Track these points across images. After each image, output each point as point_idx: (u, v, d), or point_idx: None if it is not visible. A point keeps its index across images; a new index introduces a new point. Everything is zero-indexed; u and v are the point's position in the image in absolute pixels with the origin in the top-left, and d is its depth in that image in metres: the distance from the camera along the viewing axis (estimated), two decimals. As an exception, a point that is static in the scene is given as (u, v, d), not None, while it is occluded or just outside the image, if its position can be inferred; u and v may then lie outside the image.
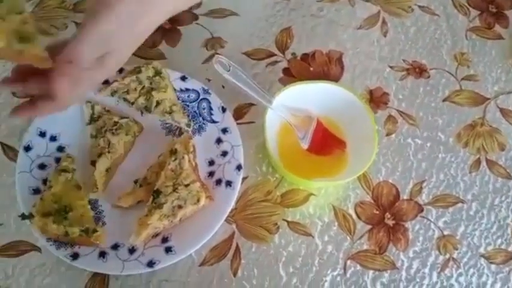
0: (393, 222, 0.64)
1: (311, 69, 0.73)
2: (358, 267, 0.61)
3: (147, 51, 0.73)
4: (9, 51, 0.46)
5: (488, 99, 0.73)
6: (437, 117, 0.71)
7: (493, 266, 0.62)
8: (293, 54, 0.74)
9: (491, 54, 0.77)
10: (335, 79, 0.73)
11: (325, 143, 0.65)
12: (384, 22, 0.78)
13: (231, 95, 0.70)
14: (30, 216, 0.57)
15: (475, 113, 0.72)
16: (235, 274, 0.60)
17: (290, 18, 0.77)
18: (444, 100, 0.72)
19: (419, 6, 0.80)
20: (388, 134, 0.69)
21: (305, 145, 0.64)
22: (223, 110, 0.66)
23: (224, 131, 0.65)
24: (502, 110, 0.73)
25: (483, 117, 0.72)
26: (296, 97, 0.65)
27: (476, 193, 0.66)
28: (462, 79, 0.74)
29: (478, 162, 0.68)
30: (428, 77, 0.74)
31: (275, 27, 0.76)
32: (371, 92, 0.72)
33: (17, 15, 0.47)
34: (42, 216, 0.56)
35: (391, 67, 0.74)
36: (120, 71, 0.67)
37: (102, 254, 0.57)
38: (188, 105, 0.67)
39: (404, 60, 0.75)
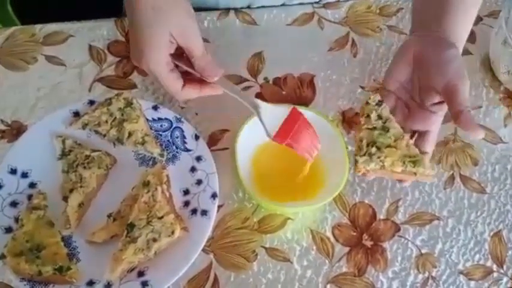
0: (371, 243, 0.64)
1: (283, 92, 0.74)
2: (338, 290, 0.61)
3: (119, 81, 0.72)
4: (406, 173, 0.56)
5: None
6: (410, 136, 0.72)
7: (472, 283, 0.63)
8: (265, 78, 0.75)
9: (460, 70, 0.79)
10: (307, 102, 0.73)
11: (299, 133, 0.59)
12: (353, 43, 0.79)
13: (204, 122, 0.70)
14: (2, 257, 0.56)
15: (447, 130, 0.73)
16: (214, 305, 0.59)
17: (261, 43, 0.78)
18: (416, 118, 0.73)
19: (388, 26, 0.82)
20: (362, 154, 0.70)
21: (270, 135, 0.58)
22: (197, 137, 0.66)
23: (198, 159, 0.65)
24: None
25: (455, 133, 0.73)
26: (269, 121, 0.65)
27: (452, 209, 0.67)
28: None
29: (452, 178, 0.69)
30: (400, 95, 0.75)
31: (246, 52, 0.77)
32: (343, 113, 0.72)
33: (402, 141, 0.56)
34: (14, 256, 0.56)
35: (362, 87, 0.75)
36: (91, 103, 0.67)
37: (77, 292, 0.56)
38: (161, 135, 0.67)
39: (375, 80, 0.76)
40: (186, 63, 0.61)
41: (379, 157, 0.55)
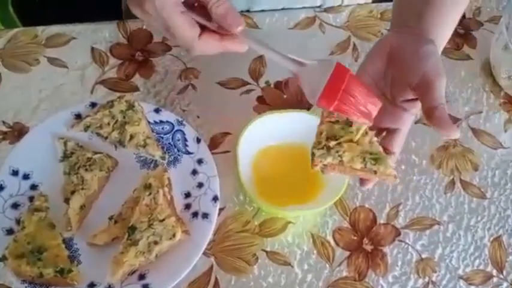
0: (371, 247, 0.64)
1: (285, 96, 0.74)
2: (338, 294, 0.61)
3: (121, 84, 0.73)
4: (365, 171, 0.51)
5: (460, 119, 0.75)
6: (410, 140, 0.72)
7: None
8: (266, 82, 0.75)
9: (461, 75, 0.79)
10: (309, 105, 0.73)
11: (349, 96, 0.47)
12: (354, 47, 0.79)
13: (206, 125, 0.71)
14: (3, 259, 0.56)
15: (448, 134, 0.73)
16: (214, 308, 0.59)
17: (263, 47, 0.78)
18: (416, 122, 0.73)
19: (389, 31, 0.81)
20: (363, 159, 0.70)
21: (314, 99, 0.47)
22: (198, 140, 0.66)
23: (199, 162, 0.65)
24: (473, 130, 0.74)
25: (455, 139, 0.73)
26: (270, 125, 0.65)
27: (452, 214, 0.67)
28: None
29: (452, 183, 0.69)
30: (400, 100, 0.75)
31: (248, 56, 0.77)
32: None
33: (366, 137, 0.52)
34: (16, 258, 0.56)
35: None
36: (93, 105, 0.67)
37: (78, 294, 0.56)
38: (163, 137, 0.67)
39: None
40: (199, 14, 0.51)
41: (337, 151, 0.50)
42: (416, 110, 0.53)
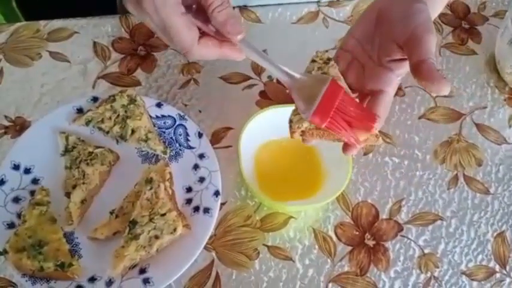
0: (373, 242, 0.64)
1: (287, 91, 0.73)
2: (340, 290, 0.61)
3: (123, 78, 0.73)
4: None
5: (464, 115, 0.74)
6: (413, 135, 0.71)
7: (474, 283, 0.62)
8: (269, 77, 0.74)
9: (466, 70, 0.78)
10: (311, 100, 0.73)
11: (342, 114, 0.47)
12: (358, 42, 0.79)
13: (208, 119, 0.70)
14: (4, 252, 0.56)
15: (451, 129, 0.72)
16: (215, 303, 0.59)
17: (265, 41, 0.78)
18: (420, 117, 0.73)
19: None
20: (365, 153, 0.69)
21: (307, 114, 0.47)
22: (200, 135, 0.66)
23: (201, 156, 0.65)
24: (477, 125, 0.73)
25: (459, 133, 0.72)
26: (272, 120, 0.65)
27: (455, 210, 0.67)
28: (437, 96, 0.75)
29: (455, 178, 0.69)
30: (403, 95, 0.75)
31: (250, 50, 0.77)
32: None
33: None
34: (16, 252, 0.56)
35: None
36: (95, 100, 0.67)
37: (79, 288, 0.56)
38: (164, 132, 0.67)
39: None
40: (198, 18, 0.49)
41: None
42: (402, 70, 0.51)
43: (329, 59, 0.52)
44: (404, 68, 0.50)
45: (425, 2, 0.51)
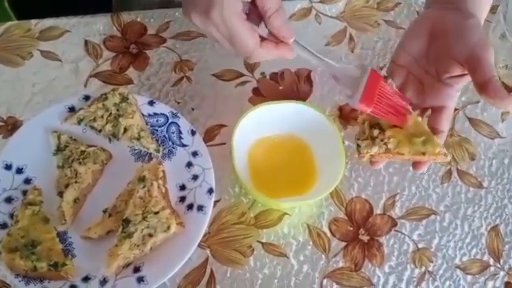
0: (368, 237, 0.64)
1: (280, 88, 0.73)
2: (335, 285, 0.61)
3: (115, 76, 0.72)
4: (414, 154, 0.51)
5: (457, 109, 0.74)
6: (407, 130, 0.71)
7: (469, 277, 0.62)
8: (262, 73, 0.74)
9: (458, 65, 0.78)
10: (304, 97, 0.73)
11: (383, 99, 0.52)
12: (351, 38, 0.79)
13: (200, 117, 0.70)
14: (-4, 253, 0.56)
15: (444, 124, 0.73)
16: (210, 300, 0.59)
17: (258, 38, 0.77)
18: (413, 113, 0.73)
19: (386, 21, 0.81)
20: (359, 149, 0.69)
21: (354, 101, 0.51)
22: (193, 133, 0.66)
23: (194, 154, 0.64)
24: (470, 120, 0.73)
25: (452, 128, 0.72)
26: (265, 117, 0.65)
27: (449, 204, 0.67)
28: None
29: (449, 173, 0.69)
30: (397, 90, 0.75)
31: (243, 47, 0.76)
32: (340, 108, 0.72)
33: (410, 119, 0.52)
34: (9, 252, 0.55)
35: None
36: (87, 98, 0.66)
37: (73, 288, 0.56)
38: (157, 130, 0.66)
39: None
40: (252, 23, 0.53)
41: (382, 139, 0.50)
42: (461, 85, 0.53)
43: (385, 77, 0.54)
44: (464, 82, 0.52)
45: (475, 15, 0.53)
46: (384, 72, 0.55)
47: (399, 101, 0.52)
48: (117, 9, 0.81)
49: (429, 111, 0.54)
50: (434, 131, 0.52)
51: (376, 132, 0.51)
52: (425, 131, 0.51)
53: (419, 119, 0.52)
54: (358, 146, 0.51)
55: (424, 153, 0.50)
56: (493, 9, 0.83)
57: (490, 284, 0.62)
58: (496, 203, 0.67)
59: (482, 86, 0.48)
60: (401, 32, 0.80)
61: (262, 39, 0.53)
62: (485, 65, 0.48)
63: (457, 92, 0.53)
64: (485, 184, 0.69)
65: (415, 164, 0.54)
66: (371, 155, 0.51)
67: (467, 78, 0.50)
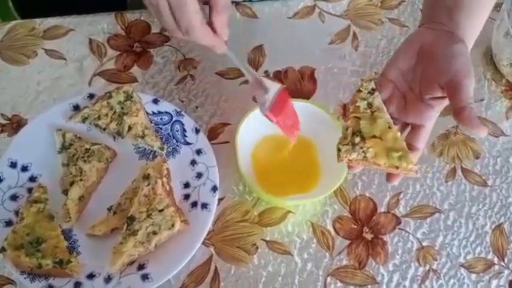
0: (372, 236, 0.64)
1: (284, 86, 0.73)
2: (339, 283, 0.61)
3: (119, 75, 0.72)
4: (388, 166, 0.53)
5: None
6: (411, 128, 0.71)
7: (473, 275, 0.62)
8: (266, 72, 0.74)
9: (462, 63, 0.78)
10: (308, 95, 0.73)
11: (287, 114, 0.60)
12: (354, 36, 0.79)
13: (205, 115, 0.70)
14: (2, 250, 0.56)
15: (449, 122, 0.72)
16: (214, 298, 0.59)
17: (262, 36, 0.77)
18: (417, 111, 0.73)
19: (389, 19, 0.81)
20: (363, 148, 0.69)
21: (264, 110, 0.58)
22: (197, 131, 0.66)
23: (198, 152, 0.65)
24: (474, 118, 0.73)
25: (456, 126, 0.72)
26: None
27: (453, 202, 0.67)
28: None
29: (453, 171, 0.69)
30: (401, 88, 0.75)
31: (247, 46, 0.77)
32: (344, 106, 0.72)
33: (389, 132, 0.53)
34: (15, 249, 0.56)
35: (363, 80, 0.74)
36: (91, 97, 0.67)
37: (78, 285, 0.56)
38: (161, 128, 0.66)
39: (376, 73, 0.75)
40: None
41: (361, 147, 0.53)
42: (442, 106, 0.55)
43: (373, 90, 0.56)
44: (444, 104, 0.54)
45: (463, 41, 0.55)
46: (373, 84, 0.57)
47: (294, 122, 0.61)
48: (131, 6, 0.82)
49: (409, 128, 0.56)
50: (410, 147, 0.54)
51: (357, 139, 0.53)
52: (403, 147, 0.53)
53: (399, 134, 0.54)
54: (339, 149, 0.54)
55: (397, 167, 0.52)
56: (498, 7, 0.83)
57: (495, 282, 0.62)
58: (500, 201, 0.67)
59: (458, 112, 0.50)
60: (405, 30, 0.80)
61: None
62: (463, 92, 0.50)
63: (436, 113, 0.55)
64: (489, 182, 0.68)
65: (389, 176, 0.56)
66: (349, 160, 0.54)
67: (447, 102, 0.52)
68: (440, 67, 0.53)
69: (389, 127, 0.54)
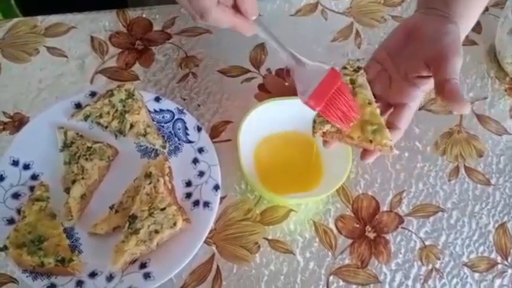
0: (374, 235, 0.63)
1: (286, 84, 0.73)
2: (341, 282, 0.60)
3: (121, 73, 0.72)
4: (362, 140, 0.51)
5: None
6: (414, 126, 0.71)
7: (476, 275, 0.62)
8: (268, 69, 0.74)
9: (466, 61, 0.78)
10: (311, 93, 0.72)
11: (335, 101, 0.50)
12: (357, 33, 0.78)
13: (207, 113, 0.70)
14: (4, 248, 0.56)
15: (452, 120, 0.72)
16: (216, 296, 0.59)
17: (264, 34, 0.77)
18: (420, 109, 0.72)
19: (392, 16, 0.81)
20: (366, 146, 0.69)
21: (304, 97, 0.50)
22: (199, 129, 0.65)
23: (200, 150, 0.64)
24: (478, 116, 0.73)
25: (460, 124, 0.72)
26: (271, 113, 0.65)
27: (456, 201, 0.66)
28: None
29: (456, 169, 0.68)
30: (404, 86, 0.74)
31: (249, 43, 0.76)
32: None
33: (367, 107, 0.52)
34: (16, 248, 0.56)
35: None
36: (93, 95, 0.67)
37: (80, 284, 0.56)
38: (163, 126, 0.66)
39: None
40: None
41: None
42: (427, 86, 0.53)
43: (359, 68, 0.55)
44: (429, 84, 0.52)
45: (456, 22, 0.53)
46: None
47: (351, 108, 0.51)
48: (132, 4, 0.81)
49: (392, 109, 0.54)
50: (391, 126, 0.52)
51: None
52: (379, 122, 0.51)
53: (378, 111, 0.52)
54: (314, 121, 0.53)
55: (371, 141, 0.51)
56: (501, 4, 0.83)
57: (498, 281, 0.62)
58: (504, 200, 0.67)
59: (440, 86, 0.47)
60: (408, 27, 0.79)
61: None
62: (449, 67, 0.48)
63: (422, 93, 0.53)
64: (493, 181, 0.68)
65: (364, 153, 0.53)
66: (323, 132, 0.52)
67: (432, 82, 0.50)
68: (428, 43, 0.51)
69: (369, 103, 0.52)
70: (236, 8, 0.52)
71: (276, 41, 0.53)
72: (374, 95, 0.54)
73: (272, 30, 0.77)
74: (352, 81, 0.54)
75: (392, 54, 0.55)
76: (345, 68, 0.56)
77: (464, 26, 0.56)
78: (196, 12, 0.51)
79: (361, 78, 0.55)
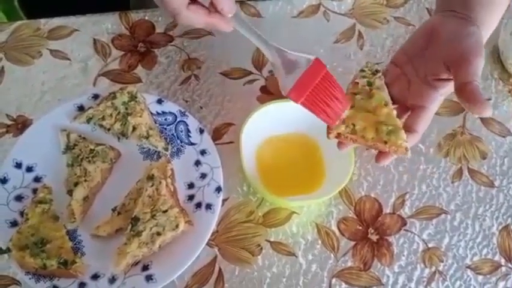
0: (377, 237, 0.63)
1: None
2: (344, 285, 0.60)
3: (123, 75, 0.72)
4: (376, 140, 0.50)
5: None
6: (417, 128, 0.71)
7: (480, 277, 0.62)
8: (270, 71, 0.74)
9: (469, 62, 0.77)
10: (313, 95, 0.72)
11: (319, 93, 0.48)
12: (359, 35, 0.78)
13: (209, 116, 0.70)
14: (7, 250, 0.56)
15: (455, 122, 0.72)
16: (219, 299, 0.59)
17: (266, 36, 0.77)
18: (423, 110, 0.72)
19: (395, 17, 0.80)
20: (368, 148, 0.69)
21: (286, 89, 0.49)
22: (201, 131, 0.65)
23: (203, 152, 0.64)
24: (481, 118, 0.73)
25: (463, 126, 0.72)
26: (273, 115, 0.65)
27: (460, 203, 0.66)
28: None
29: (460, 171, 0.68)
30: (407, 88, 0.74)
31: (251, 45, 0.75)
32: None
33: (384, 109, 0.51)
34: (19, 250, 0.56)
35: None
36: (96, 97, 0.67)
37: (82, 286, 0.56)
38: (166, 128, 0.66)
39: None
40: None
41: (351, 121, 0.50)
42: (447, 89, 0.52)
43: (377, 71, 0.55)
44: (449, 87, 0.51)
45: (477, 25, 0.52)
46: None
47: (338, 100, 0.49)
48: (134, 6, 0.81)
49: (409, 112, 0.53)
50: (409, 129, 0.51)
51: (347, 112, 0.51)
52: (395, 123, 0.50)
53: (394, 112, 0.51)
54: None
55: (386, 142, 0.50)
56: (505, 6, 0.82)
57: (502, 284, 0.61)
58: (507, 202, 0.66)
59: (461, 88, 0.46)
60: (410, 28, 0.79)
61: (195, 3, 0.52)
62: (470, 68, 0.47)
63: (441, 96, 0.52)
64: (496, 183, 0.68)
65: (378, 156, 0.53)
66: (338, 133, 0.51)
67: (452, 85, 0.49)
68: (449, 46, 0.50)
69: (385, 104, 0.52)
70: (213, 6, 0.51)
71: (256, 35, 0.52)
72: (392, 98, 0.53)
73: (274, 32, 0.78)
74: (370, 83, 0.54)
75: (412, 56, 0.54)
76: (362, 70, 0.55)
77: (485, 27, 0.54)
78: (169, 14, 0.52)
79: (379, 81, 0.54)
